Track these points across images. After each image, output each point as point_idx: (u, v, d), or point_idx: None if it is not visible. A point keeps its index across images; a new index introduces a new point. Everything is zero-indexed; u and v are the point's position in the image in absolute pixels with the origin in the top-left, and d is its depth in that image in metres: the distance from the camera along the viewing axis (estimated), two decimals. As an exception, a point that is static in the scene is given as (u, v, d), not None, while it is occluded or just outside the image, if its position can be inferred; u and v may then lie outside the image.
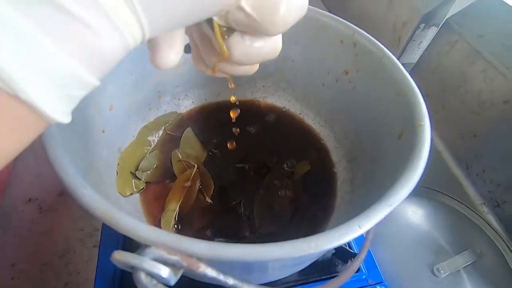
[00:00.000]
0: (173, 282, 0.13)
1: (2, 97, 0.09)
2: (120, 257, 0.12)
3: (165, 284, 0.12)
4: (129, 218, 0.14)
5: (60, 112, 0.11)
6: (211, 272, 0.13)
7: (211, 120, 0.38)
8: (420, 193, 0.45)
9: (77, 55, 0.10)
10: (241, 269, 0.16)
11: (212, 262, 0.14)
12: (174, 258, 0.13)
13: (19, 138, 0.11)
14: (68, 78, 0.10)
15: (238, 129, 0.36)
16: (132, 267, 0.12)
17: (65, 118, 0.11)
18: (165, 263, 0.12)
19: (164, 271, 0.12)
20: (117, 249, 0.32)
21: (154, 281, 0.12)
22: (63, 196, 0.44)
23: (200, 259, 0.13)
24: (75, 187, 0.15)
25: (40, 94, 0.10)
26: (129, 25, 0.11)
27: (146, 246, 0.13)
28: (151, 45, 0.15)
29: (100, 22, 0.10)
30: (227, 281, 0.14)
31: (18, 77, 0.09)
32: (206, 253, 0.13)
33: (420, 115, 0.21)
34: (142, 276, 0.12)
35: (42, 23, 0.09)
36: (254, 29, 0.13)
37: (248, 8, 0.12)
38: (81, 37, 0.10)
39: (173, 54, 0.15)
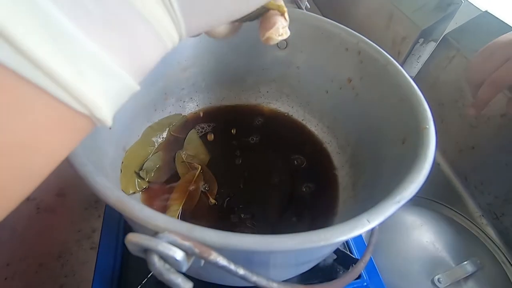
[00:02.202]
0: (185, 268, 0.12)
1: (60, 104, 0.10)
2: (135, 238, 0.12)
3: (177, 270, 0.12)
4: (142, 205, 0.14)
5: (109, 116, 0.11)
6: (222, 261, 0.13)
7: (215, 123, 0.38)
8: (420, 203, 0.45)
9: (126, 63, 0.11)
10: (242, 264, 0.16)
11: (221, 253, 0.14)
12: (186, 244, 0.13)
13: (69, 141, 0.11)
14: (119, 86, 0.11)
15: (241, 133, 0.36)
16: (146, 250, 0.12)
17: (111, 122, 0.12)
18: (179, 248, 0.12)
19: (179, 254, 0.12)
20: (116, 250, 0.32)
21: (167, 265, 0.12)
22: (62, 197, 0.43)
23: (211, 247, 0.13)
24: (90, 174, 0.15)
25: (101, 102, 0.10)
26: (169, 30, 0.11)
27: (158, 232, 0.13)
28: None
29: (142, 30, 0.10)
30: (238, 270, 0.14)
31: (86, 90, 0.10)
32: (217, 241, 0.13)
33: (425, 119, 0.22)
34: (156, 259, 0.12)
35: (97, 37, 0.10)
36: None
37: None
38: (128, 45, 0.10)
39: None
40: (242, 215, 0.30)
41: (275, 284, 0.15)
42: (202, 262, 0.14)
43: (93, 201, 0.43)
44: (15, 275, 0.36)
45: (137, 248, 0.12)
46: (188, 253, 0.13)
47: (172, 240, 0.12)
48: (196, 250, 0.13)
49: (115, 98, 0.11)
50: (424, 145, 0.20)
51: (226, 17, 0.13)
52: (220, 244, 0.14)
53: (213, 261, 0.13)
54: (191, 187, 0.31)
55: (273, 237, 0.14)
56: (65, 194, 0.43)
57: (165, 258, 0.12)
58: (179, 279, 0.12)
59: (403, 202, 0.16)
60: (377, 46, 0.29)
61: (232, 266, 0.14)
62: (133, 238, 0.12)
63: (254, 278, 0.14)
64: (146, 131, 0.34)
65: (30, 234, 0.39)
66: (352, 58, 0.31)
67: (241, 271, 0.14)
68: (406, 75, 0.26)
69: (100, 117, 0.10)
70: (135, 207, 0.14)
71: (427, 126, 0.21)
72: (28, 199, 0.42)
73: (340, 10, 0.74)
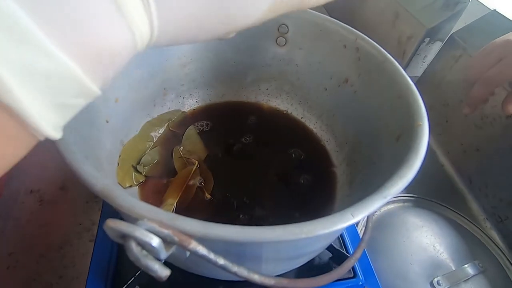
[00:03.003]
0: (163, 256, 0.13)
1: None
2: (113, 224, 0.12)
3: (155, 257, 0.12)
4: (126, 194, 0.14)
5: (51, 124, 0.08)
6: (202, 250, 0.13)
7: (214, 120, 0.38)
8: (422, 204, 0.45)
9: (77, 53, 0.08)
10: (233, 257, 0.16)
11: (204, 243, 0.14)
12: (165, 231, 0.13)
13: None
14: (64, 83, 0.08)
15: (240, 130, 0.36)
16: (124, 236, 0.12)
17: (56, 133, 0.09)
18: (157, 235, 0.13)
19: (155, 241, 0.12)
20: (112, 242, 0.32)
21: (145, 252, 0.12)
22: (64, 190, 0.44)
23: (192, 236, 0.14)
24: (76, 162, 0.15)
25: (28, 99, 0.07)
26: (140, 22, 0.09)
27: (138, 219, 0.13)
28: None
29: (108, 15, 0.08)
30: (218, 260, 0.14)
31: (1, 77, 0.07)
32: (198, 230, 0.14)
33: (419, 116, 0.22)
34: (133, 246, 0.12)
35: (35, 10, 0.07)
36: None
37: None
38: (83, 31, 0.08)
39: None
40: (239, 211, 0.30)
41: (256, 276, 0.15)
42: (188, 253, 0.14)
43: (94, 195, 0.43)
44: (17, 265, 0.37)
45: (115, 234, 0.12)
46: (167, 240, 0.13)
47: (150, 227, 0.12)
48: (176, 238, 0.13)
49: (54, 93, 0.08)
50: (416, 142, 0.20)
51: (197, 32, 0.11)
52: (200, 233, 0.14)
53: (193, 249, 0.13)
54: (188, 182, 0.32)
55: (255, 229, 0.14)
56: (68, 188, 0.44)
57: (142, 244, 0.12)
58: (156, 266, 0.12)
59: (389, 197, 0.16)
60: (374, 43, 0.29)
61: (211, 256, 0.14)
62: (112, 224, 0.12)
63: (235, 268, 0.14)
64: (145, 126, 0.35)
65: (32, 226, 0.40)
66: (351, 55, 0.31)
67: (221, 261, 0.14)
68: (403, 72, 0.26)
69: (13, 104, 0.07)
70: (118, 195, 0.14)
71: (421, 123, 0.21)
72: (31, 192, 0.43)
73: (346, 9, 0.73)
